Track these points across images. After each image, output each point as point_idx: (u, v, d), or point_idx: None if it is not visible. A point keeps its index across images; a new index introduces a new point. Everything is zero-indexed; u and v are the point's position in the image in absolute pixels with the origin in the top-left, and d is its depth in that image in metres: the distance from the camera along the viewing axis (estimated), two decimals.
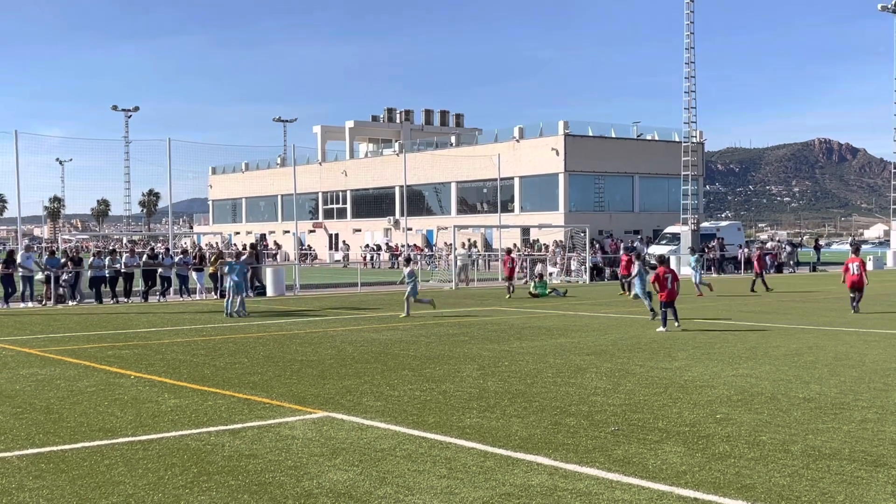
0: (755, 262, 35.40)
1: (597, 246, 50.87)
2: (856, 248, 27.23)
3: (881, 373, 13.32)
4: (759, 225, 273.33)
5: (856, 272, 24.34)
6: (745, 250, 52.74)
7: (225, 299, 25.83)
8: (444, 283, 40.16)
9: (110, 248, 43.78)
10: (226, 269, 26.28)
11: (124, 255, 33.49)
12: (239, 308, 25.01)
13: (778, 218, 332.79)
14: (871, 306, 25.53)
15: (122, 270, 32.21)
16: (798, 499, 7.04)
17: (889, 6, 62.47)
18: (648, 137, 68.61)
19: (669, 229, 57.70)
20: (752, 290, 33.53)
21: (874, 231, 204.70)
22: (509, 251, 38.24)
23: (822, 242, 72.68)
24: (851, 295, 24.56)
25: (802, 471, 7.84)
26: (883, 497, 7.06)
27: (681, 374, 13.34)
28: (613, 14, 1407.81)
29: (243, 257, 28.64)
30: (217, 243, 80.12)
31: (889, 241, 66.54)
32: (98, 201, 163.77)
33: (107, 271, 31.80)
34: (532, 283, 33.66)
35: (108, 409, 10.96)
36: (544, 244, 55.25)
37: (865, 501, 6.99)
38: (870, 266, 54.24)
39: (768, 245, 61.60)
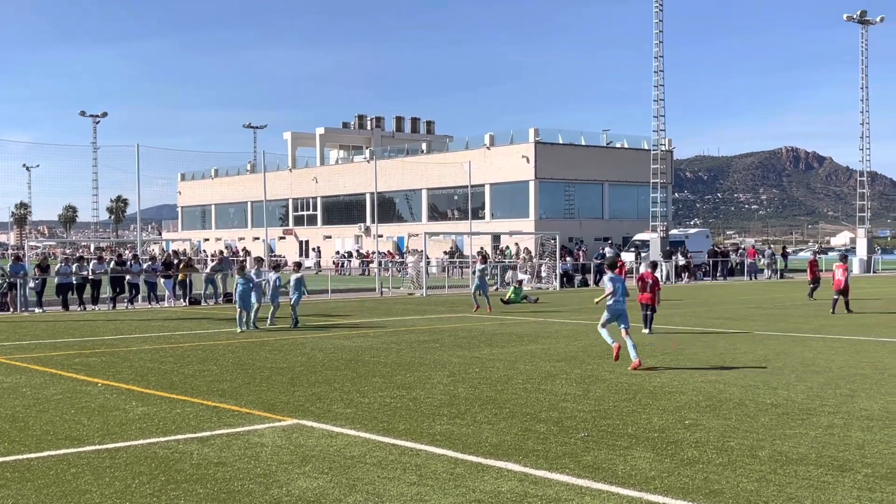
0: (809, 269, 33.91)
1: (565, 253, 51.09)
2: (843, 255, 28.89)
3: (847, 378, 13.46)
4: (728, 232, 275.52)
5: (839, 277, 26.26)
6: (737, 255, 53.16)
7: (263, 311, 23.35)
8: (415, 290, 40.14)
9: (78, 254, 43.38)
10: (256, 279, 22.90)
11: (92, 262, 33.18)
12: (254, 319, 22.78)
13: (746, 225, 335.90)
14: (838, 313, 25.85)
15: (90, 277, 31.90)
16: None
17: (854, 16, 63.30)
18: (618, 145, 69.00)
19: (639, 236, 58.03)
20: (812, 297, 32.21)
21: (840, 238, 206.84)
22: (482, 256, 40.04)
23: (789, 250, 73.41)
24: (835, 297, 26.31)
25: (770, 476, 7.90)
26: (849, 501, 7.13)
27: (650, 381, 13.40)
28: (583, 23, 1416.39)
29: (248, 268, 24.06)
30: (186, 249, 79.58)
31: (855, 248, 67.28)
32: (65, 207, 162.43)
33: (74, 278, 31.48)
34: (510, 289, 33.70)
35: (75, 417, 10.84)
36: (517, 251, 55.35)
37: None
38: None
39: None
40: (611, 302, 15.07)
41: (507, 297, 32.62)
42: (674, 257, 51.37)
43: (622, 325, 15.00)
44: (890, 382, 13.06)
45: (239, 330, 22.01)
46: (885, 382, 13.05)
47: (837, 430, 9.75)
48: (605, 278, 15.75)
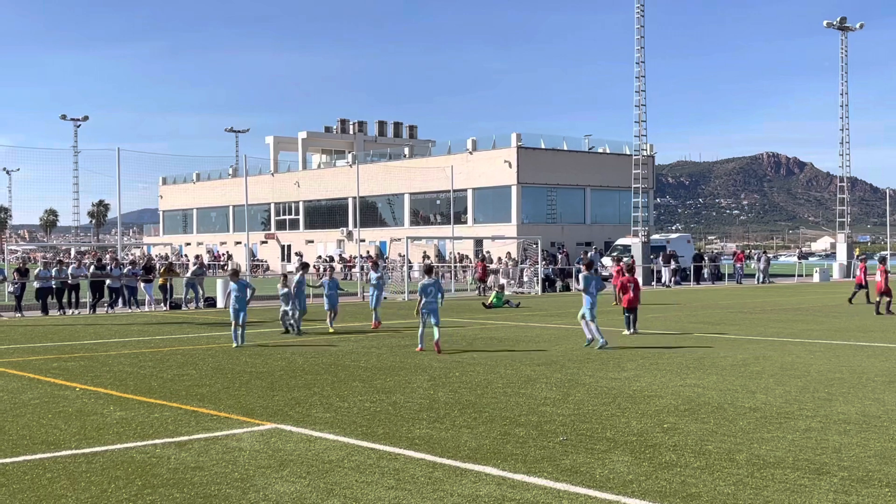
0: (859, 274, 33.52)
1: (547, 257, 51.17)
2: (883, 257, 29.84)
3: (825, 383, 13.53)
4: (709, 237, 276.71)
5: (879, 278, 27.42)
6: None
7: (293, 318, 22.36)
8: (396, 294, 40.10)
9: (58, 258, 43.10)
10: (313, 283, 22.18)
11: (72, 266, 32.98)
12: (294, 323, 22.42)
13: (727, 231, 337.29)
14: (816, 318, 26.02)
15: (70, 281, 31.71)
16: None
17: (834, 23, 63.75)
18: (600, 150, 69.20)
19: (620, 241, 58.17)
20: (850, 302, 31.78)
21: (821, 244, 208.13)
22: (483, 259, 42.05)
23: (770, 255, 73.83)
24: (878, 299, 27.43)
25: (747, 479, 7.93)
26: None
27: (629, 385, 13.44)
28: (567, 29, 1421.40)
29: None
30: (167, 254, 79.20)
31: (835, 253, 67.71)
32: (46, 211, 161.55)
33: (54, 282, 31.28)
34: (492, 294, 33.88)
35: (52, 422, 10.77)
36: (499, 257, 55.40)
37: None
38: (816, 278, 55.19)
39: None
40: (423, 304, 17.83)
41: (489, 301, 32.75)
42: (671, 261, 51.54)
43: (434, 321, 17.74)
44: (867, 386, 13.14)
45: (235, 344, 19.32)
46: (863, 386, 13.14)
47: (814, 434, 9.80)
48: (421, 283, 18.30)
